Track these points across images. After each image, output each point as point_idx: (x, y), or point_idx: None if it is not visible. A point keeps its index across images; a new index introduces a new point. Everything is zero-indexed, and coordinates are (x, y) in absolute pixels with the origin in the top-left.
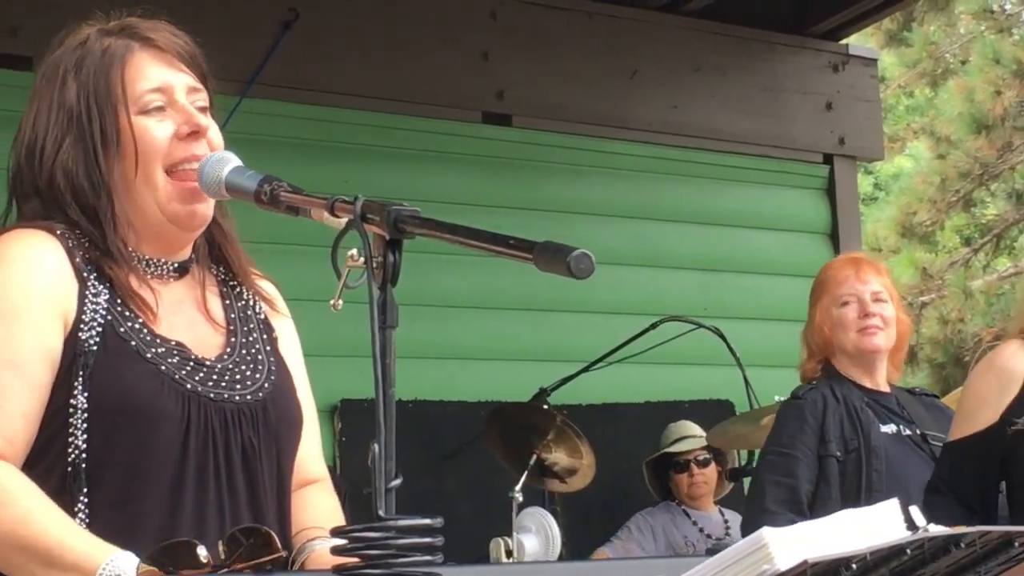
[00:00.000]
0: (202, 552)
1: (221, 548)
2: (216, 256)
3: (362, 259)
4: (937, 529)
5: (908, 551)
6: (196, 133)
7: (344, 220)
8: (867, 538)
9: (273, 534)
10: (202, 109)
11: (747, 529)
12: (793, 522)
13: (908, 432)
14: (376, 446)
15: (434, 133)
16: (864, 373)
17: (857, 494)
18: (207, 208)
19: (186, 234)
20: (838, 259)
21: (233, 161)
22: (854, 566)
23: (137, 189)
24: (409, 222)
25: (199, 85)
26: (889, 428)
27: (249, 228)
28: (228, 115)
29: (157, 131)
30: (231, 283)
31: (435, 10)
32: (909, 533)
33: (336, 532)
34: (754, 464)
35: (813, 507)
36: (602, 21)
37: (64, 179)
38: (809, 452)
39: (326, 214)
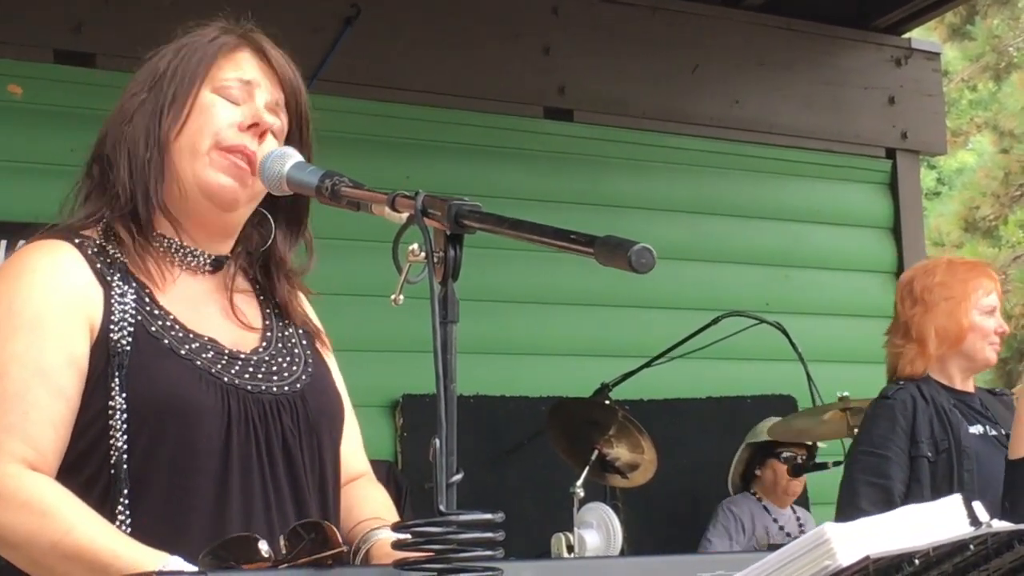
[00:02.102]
0: (263, 547)
1: (282, 543)
2: (263, 270)
3: (423, 254)
4: (1001, 525)
5: (971, 547)
6: (256, 126)
7: (405, 215)
8: (930, 534)
9: (335, 529)
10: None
11: None
12: None
13: (994, 433)
14: (437, 441)
15: (495, 128)
16: (965, 378)
17: (949, 494)
18: (241, 190)
19: (217, 213)
20: (972, 263)
21: (294, 156)
22: (916, 562)
23: (179, 154)
24: (470, 217)
25: (283, 110)
26: (976, 429)
27: (310, 223)
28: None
29: (221, 111)
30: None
31: (496, 5)
32: (972, 529)
33: (398, 527)
34: (817, 460)
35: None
36: (664, 16)
37: (129, 132)
38: (901, 452)
39: (387, 209)
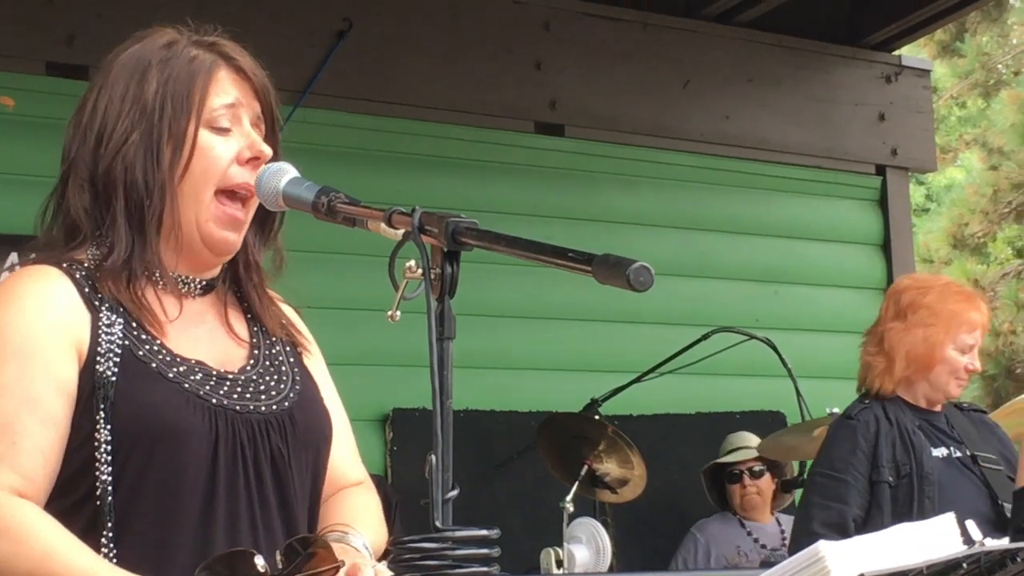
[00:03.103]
0: (259, 562)
1: (279, 558)
2: (238, 283)
3: (420, 271)
4: (993, 543)
5: (964, 565)
6: (257, 159)
7: (401, 232)
8: (923, 552)
9: (331, 544)
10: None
11: (793, 550)
12: None
13: (959, 454)
14: (433, 457)
15: (487, 143)
16: (930, 403)
17: (909, 520)
18: (239, 239)
19: (214, 258)
20: (968, 295)
21: (290, 172)
22: None
23: (182, 199)
24: (467, 234)
25: (263, 122)
26: (940, 452)
27: (303, 238)
28: (282, 125)
29: (221, 149)
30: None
31: (489, 21)
32: (965, 547)
33: (394, 543)
34: (806, 477)
35: (863, 532)
36: (655, 32)
37: (122, 171)
38: (860, 477)
39: (383, 225)
